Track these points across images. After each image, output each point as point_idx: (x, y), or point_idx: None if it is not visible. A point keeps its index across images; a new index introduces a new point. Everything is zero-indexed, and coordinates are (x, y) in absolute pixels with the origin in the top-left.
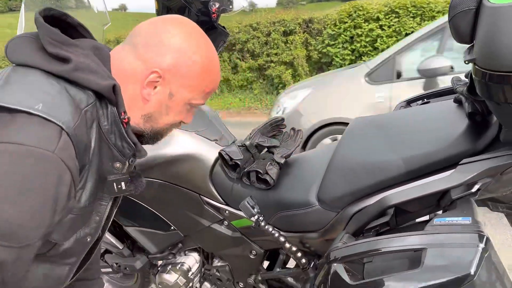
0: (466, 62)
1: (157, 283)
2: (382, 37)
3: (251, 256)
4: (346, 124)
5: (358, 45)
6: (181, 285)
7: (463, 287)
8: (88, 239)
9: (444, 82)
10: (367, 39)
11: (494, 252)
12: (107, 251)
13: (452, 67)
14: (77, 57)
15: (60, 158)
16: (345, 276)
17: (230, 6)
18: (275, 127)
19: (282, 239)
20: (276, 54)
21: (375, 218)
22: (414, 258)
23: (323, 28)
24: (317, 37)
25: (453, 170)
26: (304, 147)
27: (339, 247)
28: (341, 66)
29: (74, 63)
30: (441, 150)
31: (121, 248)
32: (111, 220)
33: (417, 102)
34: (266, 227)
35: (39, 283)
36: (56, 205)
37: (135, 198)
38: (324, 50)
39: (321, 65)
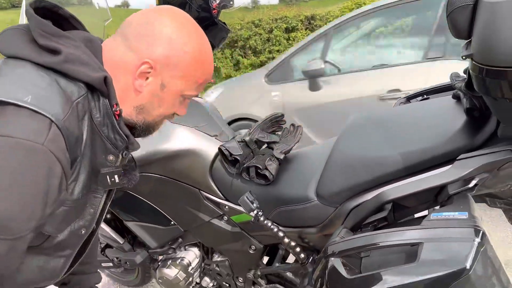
0: (464, 57)
1: (157, 278)
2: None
3: (251, 251)
4: (250, 119)
5: None
6: (181, 279)
7: (459, 281)
8: (83, 231)
9: (328, 82)
10: None
11: (490, 246)
12: (107, 246)
13: (339, 69)
14: (68, 48)
15: (50, 150)
16: (342, 270)
17: (231, 2)
18: (275, 123)
19: (281, 234)
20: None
21: (373, 213)
22: (411, 253)
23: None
24: None
25: (450, 165)
26: None
27: (337, 241)
28: None
29: (64, 54)
30: (439, 146)
31: (121, 242)
32: (105, 213)
33: (417, 98)
34: (265, 222)
35: (34, 275)
36: (47, 197)
37: (135, 193)
38: None
39: None
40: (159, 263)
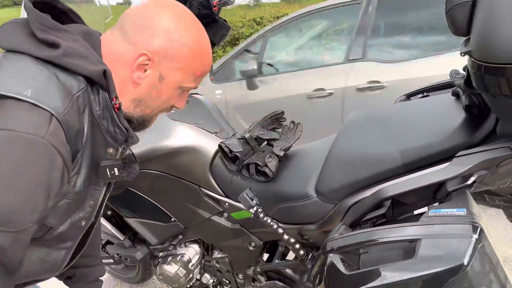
0: (462, 54)
1: (157, 274)
2: None
3: (250, 248)
4: None
5: None
6: (181, 276)
7: (456, 277)
8: (83, 223)
9: (265, 82)
10: None
11: (488, 243)
12: (108, 242)
13: (276, 69)
14: (67, 42)
15: (51, 143)
16: (341, 266)
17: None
18: (275, 120)
19: (280, 230)
20: None
21: (372, 210)
22: (409, 249)
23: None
24: None
25: (449, 162)
26: None
27: (336, 237)
28: None
29: (63, 48)
30: (438, 143)
31: (122, 239)
32: (104, 206)
33: (417, 96)
34: (265, 218)
35: (35, 267)
36: (49, 190)
37: (136, 190)
38: None
39: None
40: (160, 260)
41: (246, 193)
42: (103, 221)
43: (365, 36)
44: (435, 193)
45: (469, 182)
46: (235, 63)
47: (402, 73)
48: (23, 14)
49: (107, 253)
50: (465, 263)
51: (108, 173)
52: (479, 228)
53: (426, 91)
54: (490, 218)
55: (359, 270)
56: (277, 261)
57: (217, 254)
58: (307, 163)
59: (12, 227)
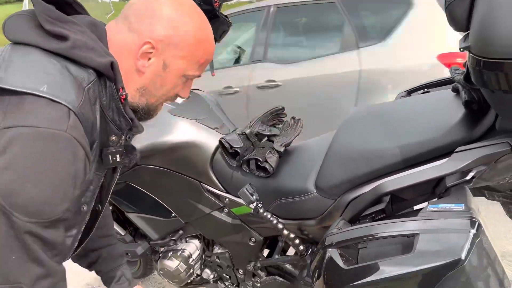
0: (461, 49)
1: (158, 269)
2: None
3: (251, 243)
4: None
5: None
6: (182, 271)
7: (454, 271)
8: (84, 207)
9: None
10: None
11: (486, 238)
12: None
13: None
14: (75, 34)
15: (73, 136)
16: (339, 261)
17: None
18: (276, 116)
19: (280, 226)
20: None
21: (371, 205)
22: (407, 244)
23: None
24: None
25: (448, 158)
26: None
27: (334, 232)
28: None
29: (72, 40)
30: (437, 138)
31: (123, 234)
32: (111, 191)
33: (418, 92)
34: (265, 214)
35: None
36: (75, 180)
37: (137, 185)
38: None
39: None
40: (160, 255)
41: (246, 189)
42: None
43: (266, 39)
44: (434, 189)
45: (468, 177)
46: None
47: (294, 73)
48: (25, 8)
49: None
50: (463, 257)
51: (110, 159)
52: (477, 223)
53: (426, 87)
54: (491, 215)
55: (357, 265)
56: (277, 256)
57: (217, 250)
58: (307, 159)
59: (45, 218)
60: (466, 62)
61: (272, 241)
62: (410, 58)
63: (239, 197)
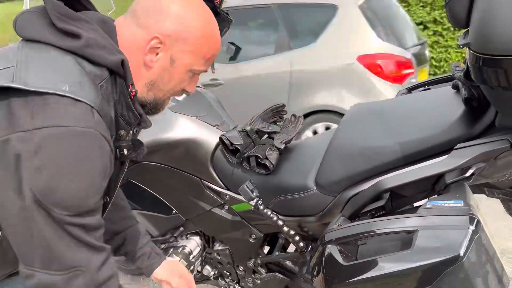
0: (461, 46)
1: None
2: None
3: (251, 240)
4: None
5: None
6: None
7: (452, 268)
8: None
9: None
10: None
11: (485, 234)
12: None
13: None
14: (87, 32)
15: (99, 132)
16: (339, 257)
17: None
18: (276, 113)
19: (280, 222)
20: None
21: (371, 202)
22: (406, 240)
23: None
24: None
25: (448, 154)
26: None
27: (334, 229)
28: None
29: (85, 39)
30: (437, 135)
31: None
32: (119, 183)
33: (418, 89)
34: (265, 210)
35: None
36: (104, 173)
37: (137, 182)
38: None
39: None
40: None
41: (247, 185)
42: None
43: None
44: (434, 186)
45: (468, 174)
46: None
47: (235, 72)
48: (26, 5)
49: None
50: (461, 254)
51: (118, 153)
52: (475, 220)
53: (427, 84)
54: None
55: (356, 261)
56: (277, 253)
57: (218, 246)
58: (308, 156)
59: (83, 210)
60: (465, 59)
61: (272, 238)
62: (334, 59)
63: (240, 194)
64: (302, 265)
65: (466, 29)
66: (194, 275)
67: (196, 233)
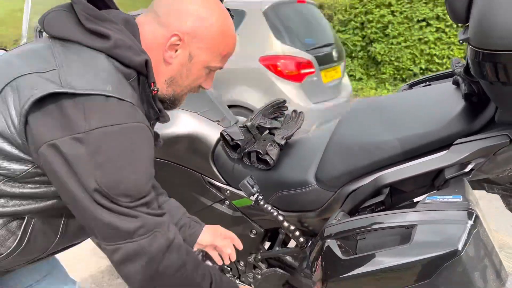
0: (460, 41)
1: None
2: (393, 23)
3: (251, 235)
4: None
5: (369, 31)
6: None
7: (451, 262)
8: None
9: None
10: (378, 25)
11: (483, 229)
12: None
13: None
14: (115, 33)
15: (145, 125)
16: (338, 252)
17: None
18: (277, 109)
19: (280, 218)
20: None
21: (371, 197)
22: (405, 235)
23: (333, 14)
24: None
25: (447, 150)
26: None
27: (333, 224)
28: (351, 53)
29: (114, 40)
30: (437, 131)
31: None
32: None
33: (419, 85)
34: (265, 206)
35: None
36: (152, 161)
37: None
38: None
39: None
40: None
41: (247, 181)
42: None
43: None
44: (433, 181)
45: (467, 169)
46: None
47: None
48: (27, 3)
49: None
50: (460, 248)
51: None
52: (474, 215)
53: (428, 80)
54: (493, 210)
55: (355, 255)
56: (277, 248)
57: None
58: (308, 151)
59: (143, 195)
60: (466, 54)
61: (272, 233)
62: (242, 60)
63: (240, 189)
64: (302, 260)
65: (466, 24)
66: None
67: None
